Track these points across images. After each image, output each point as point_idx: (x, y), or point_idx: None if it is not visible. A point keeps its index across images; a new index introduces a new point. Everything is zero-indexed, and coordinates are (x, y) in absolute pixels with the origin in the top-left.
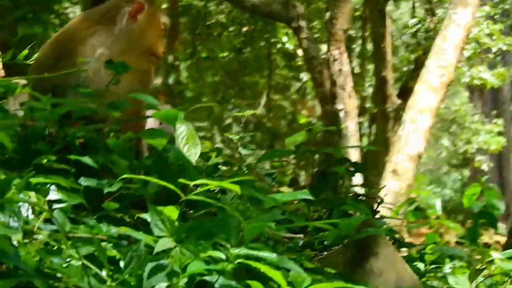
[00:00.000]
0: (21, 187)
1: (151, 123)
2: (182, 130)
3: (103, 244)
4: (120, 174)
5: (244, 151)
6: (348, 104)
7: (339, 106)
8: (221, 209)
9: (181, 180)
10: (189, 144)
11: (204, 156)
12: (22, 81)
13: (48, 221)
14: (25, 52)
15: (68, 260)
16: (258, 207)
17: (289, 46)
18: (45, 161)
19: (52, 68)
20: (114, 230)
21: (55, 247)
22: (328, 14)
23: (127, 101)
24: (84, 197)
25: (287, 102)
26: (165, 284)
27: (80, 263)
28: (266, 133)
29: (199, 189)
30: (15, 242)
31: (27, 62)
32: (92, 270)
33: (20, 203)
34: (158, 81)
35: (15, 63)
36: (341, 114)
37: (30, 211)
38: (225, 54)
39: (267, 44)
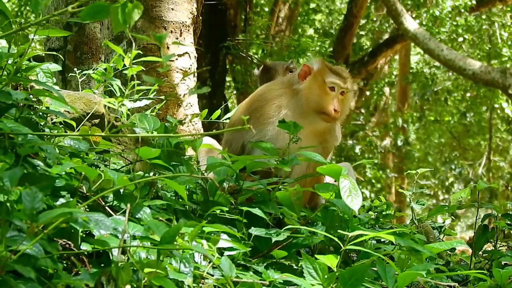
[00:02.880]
0: (194, 235)
1: (328, 178)
2: (345, 184)
3: None
4: (289, 224)
5: (415, 206)
6: None
7: None
8: (378, 259)
9: (340, 231)
10: (351, 196)
11: (375, 209)
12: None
13: (218, 267)
14: (218, 112)
15: None
16: (418, 257)
17: (509, 111)
18: (219, 211)
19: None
20: (277, 276)
21: None
22: None
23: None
24: (254, 245)
25: (505, 163)
26: None
27: None
28: (485, 191)
29: (358, 239)
30: (186, 286)
31: (221, 120)
32: None
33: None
34: (387, 141)
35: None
36: None
37: (202, 257)
38: (450, 117)
39: (488, 109)
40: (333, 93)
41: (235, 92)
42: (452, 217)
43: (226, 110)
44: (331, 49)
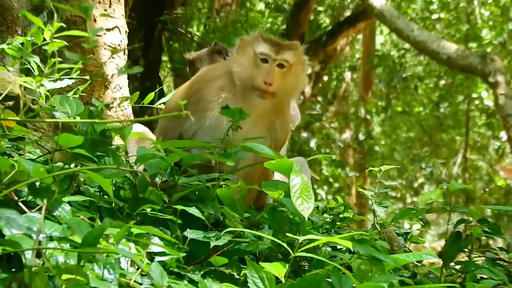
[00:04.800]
0: (120, 237)
1: (278, 175)
2: (296, 182)
3: None
4: (231, 227)
5: (378, 208)
6: None
7: None
8: (334, 268)
9: (289, 236)
10: (302, 197)
11: (331, 211)
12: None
13: (147, 274)
14: (151, 95)
15: None
16: (379, 267)
17: (489, 102)
18: (149, 210)
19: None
20: (216, 286)
21: None
22: None
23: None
24: (190, 251)
25: (484, 162)
26: None
27: None
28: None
29: (311, 245)
30: None
31: (155, 105)
32: None
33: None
34: (347, 135)
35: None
36: None
37: (129, 263)
38: (421, 108)
39: (465, 99)
40: (266, 65)
41: (171, 73)
42: (421, 222)
43: (161, 94)
44: (284, 26)
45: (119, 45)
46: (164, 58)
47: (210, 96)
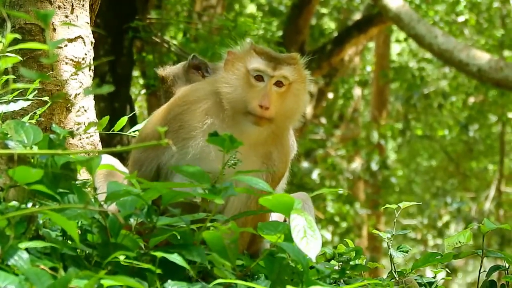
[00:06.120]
0: None
1: (276, 215)
2: (298, 222)
3: None
4: (221, 277)
5: (396, 253)
6: None
7: None
8: None
9: (290, 287)
10: (306, 238)
11: (340, 257)
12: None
13: None
14: (123, 120)
15: None
16: None
17: None
18: (122, 258)
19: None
20: None
21: None
22: None
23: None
24: None
25: None
26: None
27: None
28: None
29: None
30: None
31: (127, 132)
32: None
33: None
34: (357, 164)
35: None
36: None
37: None
38: (446, 132)
39: (499, 121)
40: (261, 84)
41: (144, 91)
42: (447, 270)
43: (133, 117)
44: (280, 33)
45: (83, 59)
46: (136, 73)
47: (193, 122)
